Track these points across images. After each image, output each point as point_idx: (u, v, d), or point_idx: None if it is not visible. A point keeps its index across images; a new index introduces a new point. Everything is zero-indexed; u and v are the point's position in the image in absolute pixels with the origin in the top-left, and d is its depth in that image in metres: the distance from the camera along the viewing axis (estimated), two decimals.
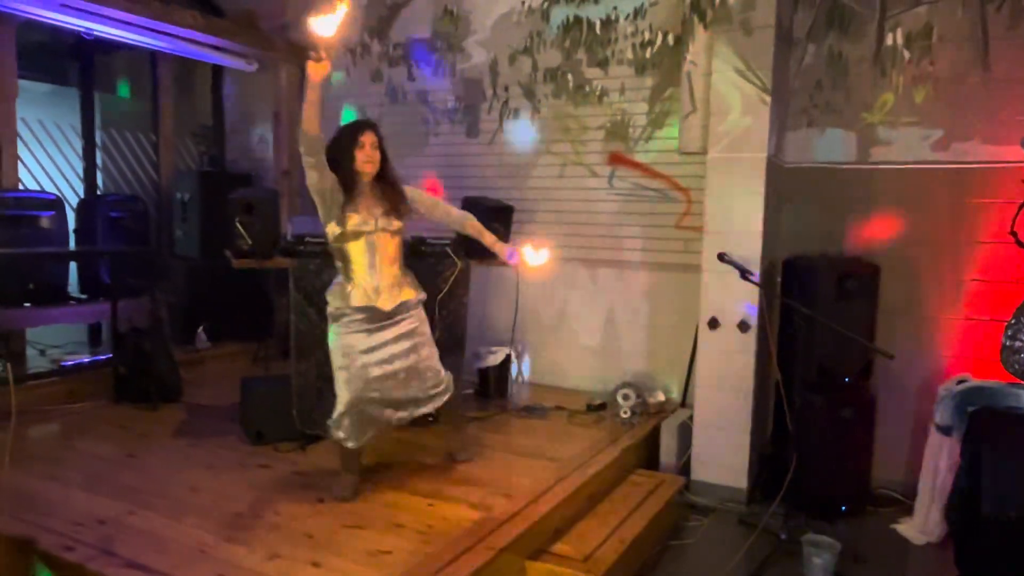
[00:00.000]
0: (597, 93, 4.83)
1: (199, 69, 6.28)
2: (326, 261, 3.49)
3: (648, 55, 4.65)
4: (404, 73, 5.53)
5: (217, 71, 6.24)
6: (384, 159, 3.08)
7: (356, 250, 3.02)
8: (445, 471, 3.44)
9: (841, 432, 3.84)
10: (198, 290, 5.61)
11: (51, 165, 6.00)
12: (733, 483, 3.98)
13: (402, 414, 3.21)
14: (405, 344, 3.12)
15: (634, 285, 4.82)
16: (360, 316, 3.02)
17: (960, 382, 3.58)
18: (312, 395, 3.77)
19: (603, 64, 4.80)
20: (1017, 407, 3.31)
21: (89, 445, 3.72)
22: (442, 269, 4.11)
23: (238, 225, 3.62)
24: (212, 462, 3.50)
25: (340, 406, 3.06)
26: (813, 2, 4.19)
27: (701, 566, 3.39)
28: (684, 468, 4.11)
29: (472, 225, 3.40)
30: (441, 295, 4.06)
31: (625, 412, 4.25)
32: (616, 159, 4.81)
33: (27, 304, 4.67)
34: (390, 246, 3.08)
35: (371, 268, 3.03)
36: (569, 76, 4.91)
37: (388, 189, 3.08)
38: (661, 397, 4.46)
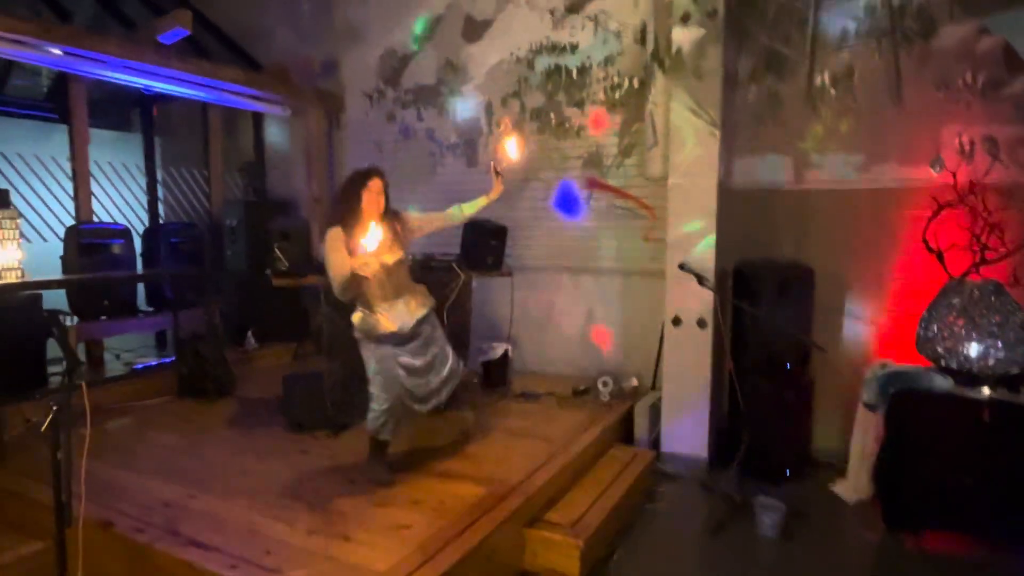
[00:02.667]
0: (575, 128, 4.80)
1: (242, 114, 6.24)
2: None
3: (617, 96, 4.63)
4: (414, 114, 5.49)
5: (257, 115, 6.20)
6: (386, 201, 2.98)
7: (372, 284, 2.89)
8: (455, 452, 3.41)
9: (784, 410, 3.82)
10: (246, 300, 5.58)
11: (120, 200, 5.96)
12: (696, 453, 3.97)
13: (427, 406, 3.16)
14: (428, 350, 3.08)
15: (609, 289, 4.79)
16: (386, 338, 2.96)
17: (883, 366, 3.56)
18: (342, 389, 3.75)
19: (580, 104, 4.78)
20: (930, 388, 3.29)
21: (156, 436, 3.69)
22: (448, 281, 4.09)
23: (276, 250, 3.59)
24: (259, 449, 3.47)
25: (379, 406, 2.99)
26: (753, 50, 4.17)
27: (670, 526, 3.38)
28: (654, 442, 4.10)
29: (465, 210, 3.27)
30: (449, 303, 4.05)
31: (604, 396, 4.23)
32: (592, 183, 4.78)
33: (103, 317, 4.64)
34: (398, 273, 2.99)
35: (385, 297, 2.94)
36: (551, 114, 4.89)
37: (388, 224, 2.92)
38: (634, 383, 4.44)
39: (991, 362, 3.28)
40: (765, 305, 3.76)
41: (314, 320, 5.44)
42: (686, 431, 3.99)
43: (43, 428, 1.96)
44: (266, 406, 4.16)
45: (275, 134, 6.27)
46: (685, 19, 3.83)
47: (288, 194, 6.18)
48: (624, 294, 4.74)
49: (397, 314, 2.96)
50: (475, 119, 5.23)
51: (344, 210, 2.91)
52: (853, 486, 3.65)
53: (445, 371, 3.18)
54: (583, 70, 4.73)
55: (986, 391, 3.17)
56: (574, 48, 4.76)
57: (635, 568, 2.95)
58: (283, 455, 3.38)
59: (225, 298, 5.49)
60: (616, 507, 3.12)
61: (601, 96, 4.69)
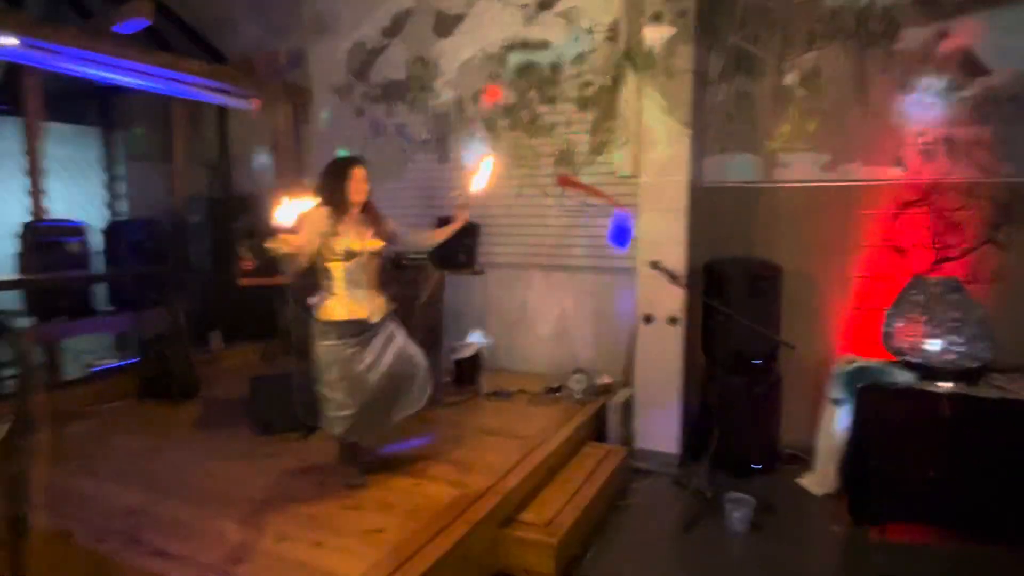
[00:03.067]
0: (547, 126, 4.79)
1: (206, 107, 6.07)
2: (317, 277, 3.41)
3: (588, 93, 4.62)
4: (383, 110, 5.41)
5: (222, 109, 6.03)
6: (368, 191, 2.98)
7: (342, 269, 2.86)
8: (427, 453, 3.36)
9: (753, 405, 3.88)
10: (211, 299, 5.44)
11: (79, 196, 5.74)
12: (667, 449, 4.01)
13: (401, 412, 3.07)
14: (391, 348, 3.00)
15: (581, 286, 4.79)
16: (347, 330, 2.88)
17: (849, 362, 3.64)
18: (312, 390, 3.68)
19: (551, 101, 4.75)
20: (894, 383, 3.37)
21: (118, 440, 3.57)
22: (420, 279, 4.05)
23: (243, 248, 3.50)
24: (226, 453, 3.38)
25: (344, 410, 2.91)
26: (723, 49, 4.20)
27: (643, 522, 3.40)
28: (626, 439, 4.11)
29: (431, 237, 3.26)
30: (421, 302, 4.00)
31: (577, 394, 4.23)
32: (564, 181, 4.76)
33: (60, 318, 4.47)
34: (370, 267, 2.95)
35: (355, 285, 2.90)
36: (524, 111, 4.86)
37: (370, 216, 2.99)
38: (607, 379, 4.44)
39: (951, 357, 3.38)
40: (735, 302, 3.80)
41: (282, 319, 5.35)
42: (658, 427, 4.02)
43: None
44: (232, 408, 4.05)
45: (240, 128, 6.11)
46: (656, 18, 3.84)
47: (254, 190, 6.03)
48: (596, 291, 4.74)
49: (360, 303, 2.90)
50: (446, 115, 5.17)
51: (328, 195, 2.86)
52: (820, 480, 3.72)
53: (418, 376, 3.08)
54: (555, 67, 4.71)
55: (947, 385, 3.26)
56: (546, 45, 4.74)
57: (610, 565, 2.96)
58: (251, 458, 3.30)
59: (189, 297, 5.33)
60: (590, 505, 3.13)
61: (573, 93, 4.67)
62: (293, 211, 2.69)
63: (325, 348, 2.91)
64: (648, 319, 4.01)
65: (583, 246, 4.73)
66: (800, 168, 4.10)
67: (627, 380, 4.47)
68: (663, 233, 3.91)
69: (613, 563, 2.98)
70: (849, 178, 3.97)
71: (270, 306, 5.47)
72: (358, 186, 2.90)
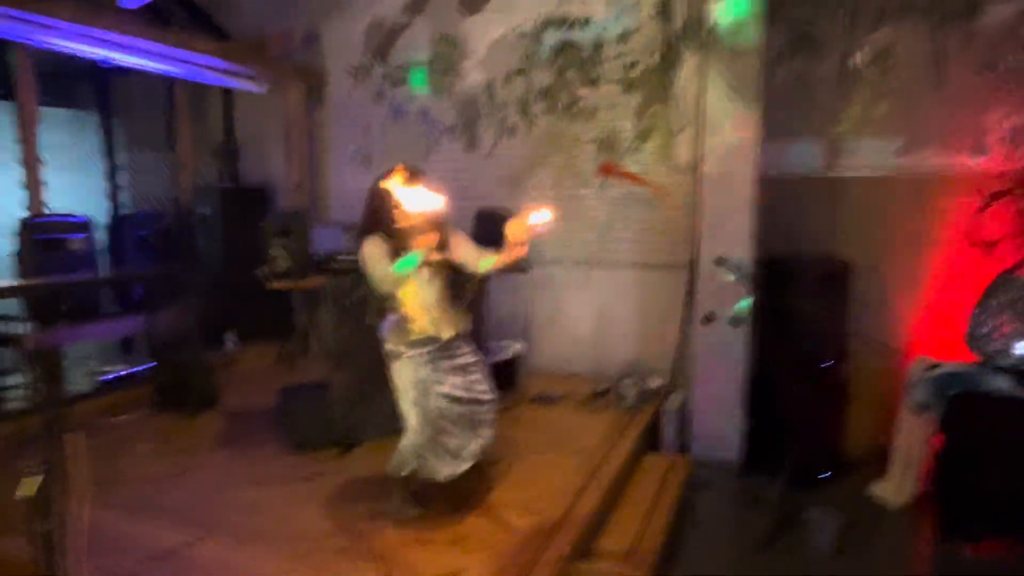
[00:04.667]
0: (588, 110, 4.44)
1: (210, 91, 5.63)
2: (359, 277, 3.07)
3: (633, 75, 4.28)
4: (405, 93, 5.02)
5: (228, 93, 5.60)
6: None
7: (410, 286, 2.54)
8: (486, 473, 3.02)
9: (821, 410, 3.62)
10: (222, 298, 5.05)
11: (77, 188, 5.27)
12: (727, 457, 3.73)
13: (473, 447, 2.64)
14: (469, 377, 2.64)
15: (624, 283, 4.48)
16: (422, 349, 2.56)
17: (933, 366, 3.37)
18: (350, 403, 3.35)
19: (593, 83, 4.41)
20: (989, 390, 3.11)
21: (135, 462, 3.20)
22: (463, 281, 3.70)
23: (279, 248, 3.14)
24: (260, 476, 3.03)
25: (418, 440, 2.58)
26: (783, 28, 3.86)
27: (717, 541, 3.13)
28: (681, 447, 3.84)
29: (485, 265, 2.71)
30: (464, 305, 3.66)
31: (629, 399, 3.93)
32: (606, 169, 4.42)
33: (62, 323, 4.07)
34: (439, 280, 2.62)
35: (424, 302, 2.58)
36: (561, 94, 4.50)
37: (435, 226, 2.55)
38: (658, 382, 4.16)
39: None
40: (801, 301, 3.52)
41: (300, 320, 5.00)
42: (718, 434, 3.74)
43: (22, 494, 1.53)
44: (257, 421, 3.69)
45: (248, 113, 5.68)
46: None
47: (263, 180, 5.63)
48: (641, 289, 4.43)
49: (431, 320, 2.59)
50: (474, 99, 4.80)
51: (381, 217, 2.53)
52: (896, 489, 3.46)
53: (487, 411, 2.68)
54: (596, 46, 4.36)
55: None
56: (586, 22, 4.38)
57: None
58: (290, 482, 2.96)
59: (200, 297, 4.94)
60: (666, 527, 2.85)
61: (616, 75, 4.33)
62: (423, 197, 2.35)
63: (398, 370, 2.59)
64: (708, 319, 3.70)
65: (627, 240, 4.42)
66: (869, 155, 3.80)
67: (676, 383, 4.19)
68: (728, 227, 3.60)
69: None
70: (924, 165, 3.68)
71: (287, 305, 5.14)
72: (402, 209, 2.49)
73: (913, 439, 3.39)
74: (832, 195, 3.88)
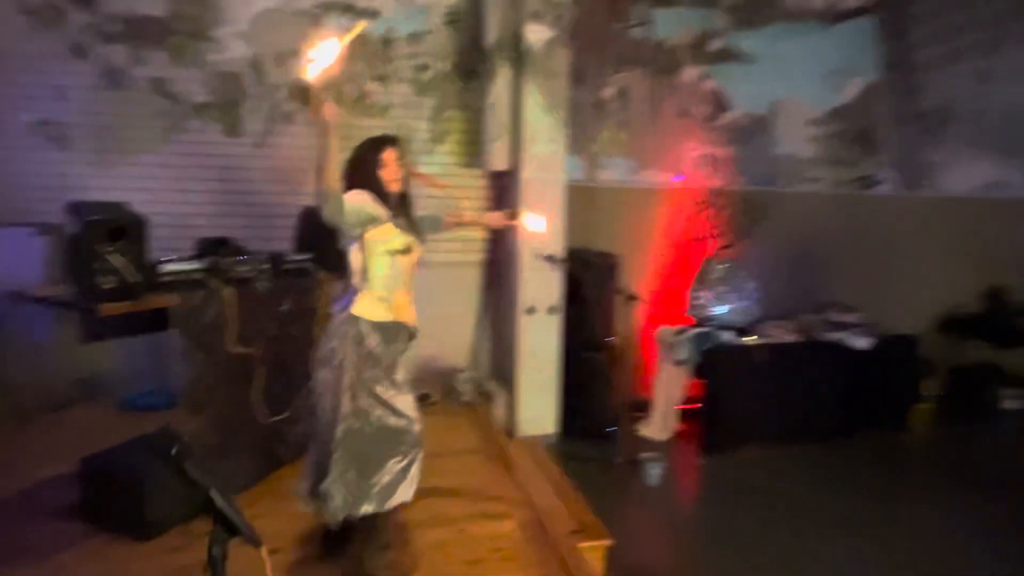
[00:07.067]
0: (380, 106, 4.25)
1: None
2: (209, 293, 2.44)
3: (426, 78, 4.31)
4: (129, 54, 3.85)
5: None
6: (407, 174, 2.34)
7: (385, 265, 2.25)
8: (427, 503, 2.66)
9: (607, 377, 4.41)
10: None
11: None
12: (549, 430, 4.19)
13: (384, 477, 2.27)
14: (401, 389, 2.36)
15: (423, 281, 4.45)
16: (388, 336, 2.25)
17: (681, 331, 4.49)
18: (214, 455, 2.57)
19: (384, 80, 4.24)
20: (727, 342, 4.34)
21: None
22: (312, 287, 3.20)
23: (116, 257, 2.18)
24: None
25: (402, 460, 2.23)
26: None
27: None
28: (509, 430, 4.13)
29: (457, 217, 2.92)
30: (319, 315, 3.17)
31: (466, 396, 4.02)
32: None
33: None
34: (409, 268, 2.36)
35: (395, 288, 2.29)
36: (349, 86, 4.19)
37: (409, 208, 2.35)
38: (472, 374, 4.33)
39: (732, 318, 4.55)
40: (591, 288, 4.24)
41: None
42: (541, 413, 4.16)
43: None
44: (45, 512, 2.45)
45: None
46: (536, 17, 3.88)
47: None
48: (439, 286, 4.48)
49: (405, 308, 2.31)
50: (237, 76, 4.03)
51: (360, 183, 2.20)
52: (659, 428, 4.50)
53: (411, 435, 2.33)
54: (387, 41, 4.21)
55: (754, 338, 4.41)
56: (375, 14, 4.18)
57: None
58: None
59: None
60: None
61: (408, 75, 4.27)
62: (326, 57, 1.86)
63: (354, 363, 2.20)
64: (531, 310, 4.09)
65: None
66: (616, 170, 4.76)
67: (495, 373, 4.45)
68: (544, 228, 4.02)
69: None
70: (651, 181, 4.82)
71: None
72: (393, 172, 2.26)
73: (672, 388, 4.48)
74: (591, 201, 4.70)
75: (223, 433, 2.60)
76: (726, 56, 4.81)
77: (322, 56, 1.85)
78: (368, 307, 2.22)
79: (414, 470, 2.28)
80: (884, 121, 5.18)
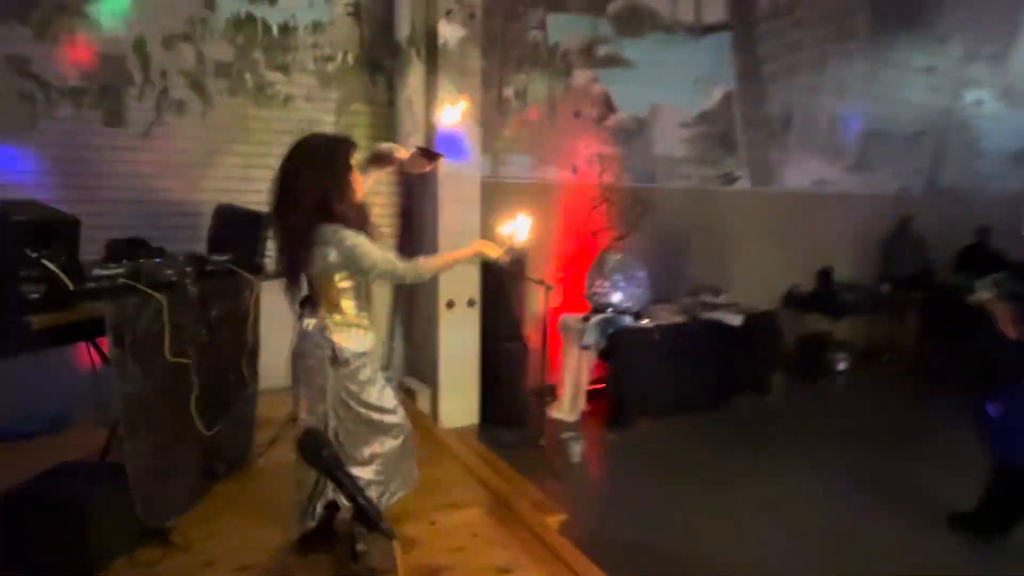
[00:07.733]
0: (281, 98, 4.04)
1: None
2: (146, 302, 2.28)
3: (330, 69, 4.17)
4: None
5: None
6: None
7: (356, 287, 2.19)
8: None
9: (523, 366, 4.61)
10: None
11: None
12: (472, 422, 4.28)
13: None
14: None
15: None
16: (366, 361, 2.22)
17: (586, 318, 4.79)
18: (153, 479, 2.36)
19: (284, 69, 4.04)
20: (627, 326, 4.71)
21: None
22: (239, 289, 3.01)
23: (47, 263, 1.92)
24: None
25: (378, 471, 2.22)
26: None
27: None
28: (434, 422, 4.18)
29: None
30: (251, 320, 3.00)
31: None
32: None
33: None
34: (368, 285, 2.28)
35: (362, 309, 2.23)
36: (247, 75, 3.94)
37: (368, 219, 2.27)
38: (393, 374, 4.29)
39: (627, 304, 4.97)
40: (504, 282, 4.42)
41: None
42: (464, 405, 4.25)
43: None
44: None
45: None
46: (449, 15, 3.93)
47: None
48: None
49: (367, 329, 2.27)
50: (118, 58, 3.62)
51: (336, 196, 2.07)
52: (569, 409, 4.79)
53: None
54: (286, 30, 4.01)
55: (647, 321, 4.84)
56: (272, 1, 3.96)
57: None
58: None
59: None
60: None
61: (311, 65, 4.11)
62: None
63: (339, 385, 2.16)
64: (450, 304, 4.15)
65: None
66: (517, 167, 4.94)
67: (399, 370, 4.45)
68: (462, 223, 4.10)
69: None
70: (549, 178, 5.07)
71: None
72: (360, 179, 2.22)
73: (580, 371, 4.78)
74: (496, 195, 4.84)
75: (164, 451, 2.39)
76: (612, 61, 5.19)
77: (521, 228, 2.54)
78: (343, 333, 2.16)
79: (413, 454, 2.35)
80: (739, 125, 5.90)
